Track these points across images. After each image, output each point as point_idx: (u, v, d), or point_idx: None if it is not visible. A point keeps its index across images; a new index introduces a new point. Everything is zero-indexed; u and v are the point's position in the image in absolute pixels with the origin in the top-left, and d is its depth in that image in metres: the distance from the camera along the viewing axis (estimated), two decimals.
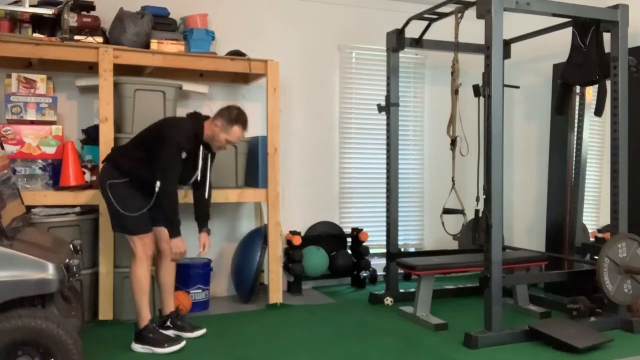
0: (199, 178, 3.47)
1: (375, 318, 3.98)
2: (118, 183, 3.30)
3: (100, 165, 3.57)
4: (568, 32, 4.06)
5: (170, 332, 3.46)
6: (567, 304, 3.89)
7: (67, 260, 2.59)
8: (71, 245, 3.02)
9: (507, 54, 4.66)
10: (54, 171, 3.81)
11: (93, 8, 4.01)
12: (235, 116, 3.38)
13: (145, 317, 3.32)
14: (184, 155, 3.28)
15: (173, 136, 3.24)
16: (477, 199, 3.86)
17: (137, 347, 3.28)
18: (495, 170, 3.43)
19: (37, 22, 3.88)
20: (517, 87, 4.86)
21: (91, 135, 4.08)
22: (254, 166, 4.33)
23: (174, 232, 3.25)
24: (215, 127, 3.37)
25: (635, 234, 3.70)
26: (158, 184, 3.20)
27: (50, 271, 2.46)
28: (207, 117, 3.46)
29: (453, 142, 4.18)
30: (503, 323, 3.45)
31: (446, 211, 4.28)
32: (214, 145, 3.44)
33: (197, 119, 3.44)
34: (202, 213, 3.56)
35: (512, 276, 4.15)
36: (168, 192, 3.23)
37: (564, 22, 4.12)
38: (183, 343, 3.28)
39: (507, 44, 4.64)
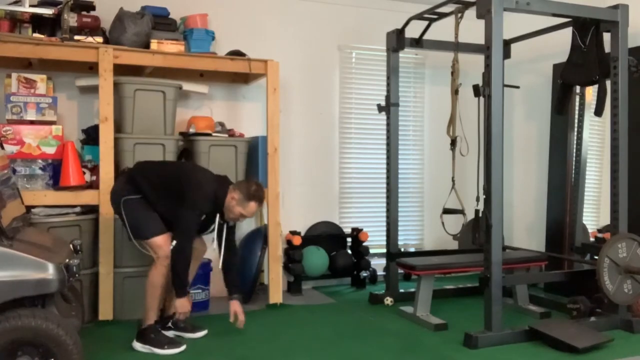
0: (215, 245, 3.48)
1: (375, 318, 3.98)
2: (132, 199, 3.33)
3: (114, 180, 3.58)
4: (568, 32, 4.06)
5: (171, 333, 3.47)
6: (567, 304, 3.90)
7: (67, 260, 2.59)
8: (71, 245, 3.02)
9: (507, 54, 4.66)
10: (54, 171, 3.80)
11: (93, 8, 4.01)
12: (253, 192, 3.35)
13: (151, 317, 3.34)
14: (203, 217, 3.34)
15: (196, 202, 3.27)
16: (477, 199, 3.86)
17: (138, 346, 3.29)
18: (495, 170, 3.43)
19: (37, 22, 3.88)
20: (517, 87, 4.86)
21: (91, 135, 4.08)
22: (254, 166, 4.33)
23: (181, 293, 3.27)
24: (232, 200, 3.34)
25: (635, 234, 3.70)
26: (174, 242, 3.23)
27: (50, 271, 2.46)
28: (231, 183, 3.46)
29: (453, 142, 4.18)
30: (503, 323, 3.45)
31: (446, 211, 4.28)
32: (227, 215, 3.40)
33: (223, 185, 3.40)
34: (227, 279, 3.53)
35: (512, 276, 4.15)
36: (183, 251, 3.24)
37: (564, 22, 4.12)
38: (183, 347, 3.28)
39: (507, 44, 4.64)
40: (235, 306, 3.46)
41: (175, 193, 3.30)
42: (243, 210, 3.35)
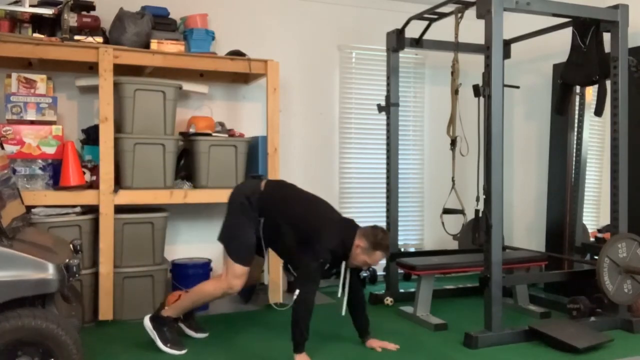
0: (339, 290, 3.31)
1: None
2: (250, 214, 3.27)
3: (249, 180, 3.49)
4: (568, 32, 4.06)
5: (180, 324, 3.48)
6: (567, 304, 3.90)
7: (67, 260, 2.59)
8: (71, 245, 3.02)
9: (507, 54, 4.66)
10: (54, 171, 3.80)
11: (93, 8, 4.01)
12: (379, 240, 3.21)
13: (176, 313, 3.36)
14: (327, 266, 3.18)
15: (322, 251, 3.11)
16: (477, 199, 3.86)
17: (147, 324, 3.29)
18: (495, 170, 3.43)
19: (37, 22, 3.88)
20: (517, 87, 4.86)
21: (91, 135, 4.08)
22: (254, 166, 4.33)
23: (300, 348, 3.07)
24: (357, 248, 3.20)
25: (635, 234, 3.70)
26: (297, 292, 3.06)
27: (50, 271, 2.46)
28: (357, 227, 3.31)
29: (453, 142, 4.18)
30: (503, 323, 3.45)
31: (446, 211, 4.28)
32: (351, 261, 3.26)
33: (350, 231, 3.25)
34: (357, 322, 3.43)
35: (512, 276, 4.15)
36: (306, 303, 3.06)
37: (564, 22, 4.12)
38: (183, 351, 3.25)
39: (507, 44, 4.64)
40: (375, 342, 3.36)
41: (301, 233, 3.19)
42: (368, 259, 3.21)
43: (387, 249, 3.27)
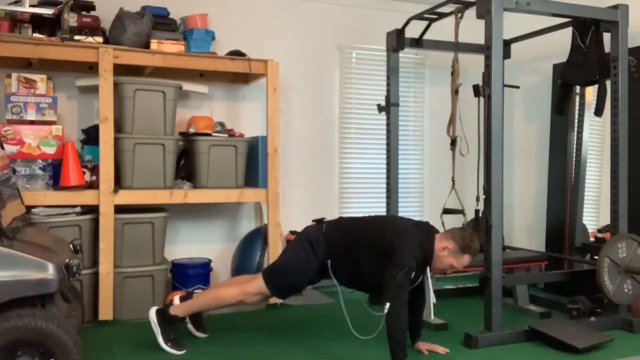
0: (428, 296, 3.22)
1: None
2: (312, 259, 3.18)
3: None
4: (568, 32, 4.06)
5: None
6: (567, 304, 3.90)
7: (67, 260, 2.59)
8: (71, 245, 3.02)
9: (507, 54, 4.66)
10: (54, 171, 3.80)
11: (93, 8, 4.01)
12: (469, 243, 3.09)
13: (186, 313, 3.33)
14: (412, 275, 3.01)
15: (405, 259, 2.98)
16: (477, 199, 3.86)
17: (152, 317, 3.25)
18: (495, 170, 3.43)
19: (37, 22, 3.88)
20: (517, 87, 4.86)
21: (91, 135, 4.08)
22: (254, 166, 4.33)
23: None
24: (444, 250, 3.09)
25: (635, 234, 3.70)
26: (387, 305, 2.91)
27: (50, 271, 2.46)
28: (436, 231, 3.19)
29: (453, 142, 4.18)
30: (503, 323, 3.45)
31: (446, 211, 4.28)
32: (434, 265, 3.14)
33: (428, 234, 3.14)
34: (413, 328, 3.26)
35: (512, 276, 4.15)
36: (398, 315, 2.92)
37: (564, 22, 4.12)
38: (182, 352, 3.23)
39: (507, 44, 4.64)
40: (423, 345, 3.27)
41: (379, 254, 3.08)
42: (455, 262, 3.10)
43: (476, 252, 3.14)
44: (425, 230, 3.18)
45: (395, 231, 3.15)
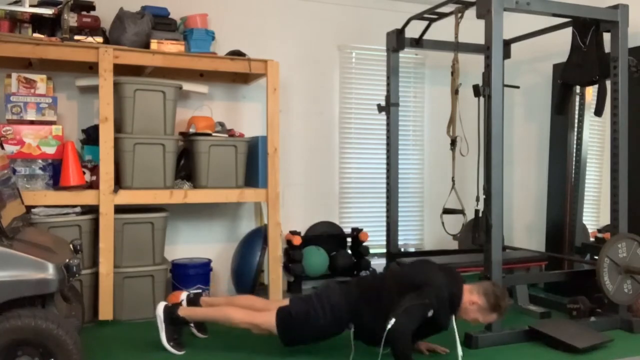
0: (457, 350, 3.06)
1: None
2: (333, 324, 3.06)
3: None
4: (568, 32, 4.06)
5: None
6: (567, 304, 3.90)
7: (67, 260, 2.59)
8: (71, 245, 3.02)
9: (507, 54, 4.66)
10: (54, 171, 3.80)
11: (93, 8, 4.01)
12: (499, 302, 3.02)
13: (193, 318, 3.31)
14: (430, 313, 2.90)
15: (429, 293, 2.90)
16: (477, 199, 3.86)
17: (160, 312, 3.22)
18: (495, 170, 3.43)
19: (37, 22, 3.88)
20: (517, 87, 4.86)
21: (91, 135, 4.08)
22: (254, 166, 4.33)
23: None
24: (472, 304, 3.03)
25: (635, 234, 3.70)
26: (392, 321, 2.81)
27: (50, 271, 2.46)
28: (463, 280, 3.12)
29: (453, 142, 4.18)
30: (503, 323, 3.45)
31: (446, 211, 4.28)
32: (459, 314, 3.08)
33: (456, 282, 3.06)
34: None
35: (512, 276, 4.15)
36: (401, 336, 2.83)
37: (564, 22, 4.12)
38: (181, 353, 3.23)
39: (507, 44, 4.64)
40: (423, 345, 3.23)
41: (401, 294, 2.97)
42: (481, 318, 3.05)
43: (505, 312, 3.08)
44: (454, 278, 3.10)
45: (421, 272, 3.08)
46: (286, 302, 3.22)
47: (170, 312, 3.25)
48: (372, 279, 3.22)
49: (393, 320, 2.83)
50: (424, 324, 2.94)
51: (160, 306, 3.25)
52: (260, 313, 3.21)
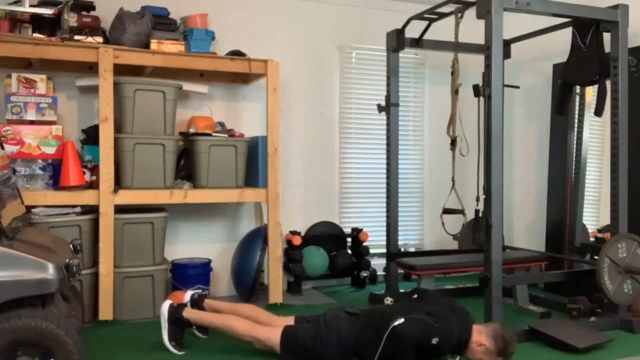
0: None
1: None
2: (338, 350, 2.98)
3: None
4: (568, 32, 4.06)
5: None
6: (567, 304, 3.90)
7: (67, 260, 2.59)
8: (71, 245, 3.02)
9: (507, 54, 4.66)
10: (54, 171, 3.80)
11: (93, 8, 4.01)
12: (507, 347, 2.94)
13: (200, 322, 3.30)
14: (434, 340, 2.83)
15: (442, 324, 2.87)
16: (477, 199, 3.86)
17: (164, 311, 3.21)
18: (495, 170, 3.43)
19: (37, 22, 3.88)
20: (517, 87, 4.86)
21: (91, 135, 4.08)
22: (254, 166, 4.33)
23: None
24: (479, 346, 2.96)
25: (635, 234, 3.70)
26: (401, 320, 2.81)
27: (50, 271, 2.46)
28: (470, 319, 3.07)
29: (453, 142, 4.18)
30: (503, 323, 3.45)
31: (446, 211, 4.28)
32: (465, 352, 3.02)
33: (466, 321, 3.02)
34: None
35: (512, 276, 4.15)
36: (405, 338, 2.80)
37: (564, 22, 4.12)
38: (181, 353, 3.23)
39: (507, 44, 4.64)
40: None
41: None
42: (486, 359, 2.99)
43: (511, 357, 3.00)
44: (465, 318, 3.06)
45: (434, 314, 2.97)
46: (291, 320, 3.18)
47: (175, 313, 3.25)
48: (382, 313, 3.08)
49: (402, 320, 2.81)
50: (423, 352, 2.86)
51: (166, 305, 3.25)
52: (265, 328, 3.17)
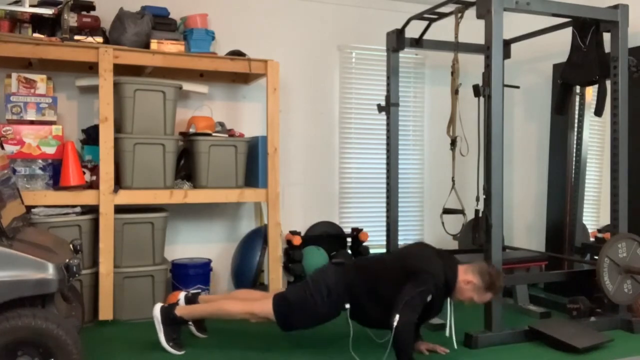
0: (447, 329, 3.22)
1: None
2: (329, 305, 3.09)
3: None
4: (568, 32, 4.06)
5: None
6: (567, 304, 3.90)
7: (67, 260, 2.59)
8: (71, 245, 3.02)
9: (507, 54, 4.66)
10: (54, 171, 3.80)
11: (93, 8, 4.01)
12: (494, 281, 3.06)
13: (191, 317, 3.31)
14: (429, 298, 2.97)
15: (426, 279, 2.96)
16: (477, 199, 3.86)
17: (157, 313, 3.22)
18: (495, 170, 3.43)
19: (37, 22, 3.88)
20: (517, 87, 4.86)
21: (91, 135, 4.08)
22: (254, 166, 4.33)
23: None
24: (467, 284, 3.06)
25: (635, 234, 3.70)
26: (397, 317, 2.86)
27: (50, 271, 2.46)
28: (458, 262, 3.17)
29: (453, 142, 4.18)
30: (503, 323, 3.45)
31: (446, 211, 4.28)
32: (454, 295, 3.14)
33: (451, 264, 3.11)
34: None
35: (512, 276, 4.15)
36: (407, 330, 2.89)
37: (564, 22, 4.12)
38: (181, 353, 3.23)
39: (507, 44, 4.64)
40: (424, 345, 3.27)
41: (401, 278, 3.02)
42: (477, 297, 3.09)
43: (499, 291, 3.14)
44: (449, 260, 3.15)
45: (417, 256, 3.14)
46: (282, 289, 3.26)
47: (168, 313, 3.25)
48: (370, 260, 3.23)
49: (397, 317, 2.86)
50: (422, 312, 2.99)
51: (157, 307, 3.26)
52: (258, 301, 3.24)
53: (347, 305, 3.12)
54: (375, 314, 3.10)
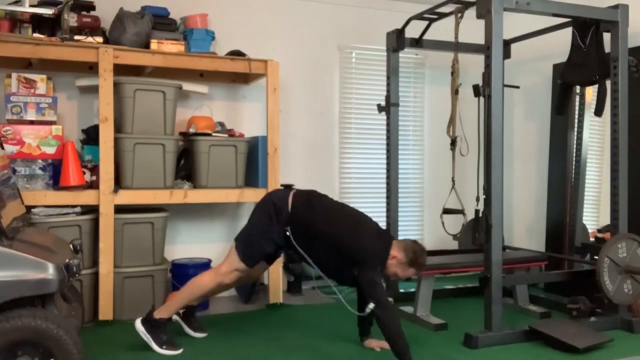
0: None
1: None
2: (275, 225, 3.21)
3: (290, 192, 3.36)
4: (568, 32, 4.07)
5: (176, 317, 3.47)
6: (567, 304, 3.90)
7: (67, 260, 2.59)
8: (71, 245, 3.02)
9: (507, 54, 4.65)
10: (54, 171, 3.81)
11: (93, 8, 4.01)
12: (417, 257, 3.15)
13: (170, 313, 3.33)
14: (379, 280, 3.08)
15: (375, 259, 3.10)
16: (477, 199, 3.86)
17: (139, 327, 3.26)
18: (495, 170, 3.43)
19: (37, 22, 3.88)
20: (517, 87, 4.86)
21: (91, 135, 4.08)
22: (254, 166, 4.33)
23: (409, 357, 2.97)
24: (392, 259, 3.14)
25: (635, 234, 3.70)
26: (372, 305, 3.00)
27: (50, 271, 2.46)
28: (392, 238, 3.31)
29: (453, 142, 4.18)
30: (503, 323, 3.45)
31: (446, 211, 4.28)
32: (384, 270, 3.20)
33: (387, 240, 3.22)
34: (364, 325, 3.39)
35: (512, 276, 4.15)
36: (391, 312, 3.04)
37: (564, 22, 4.12)
38: (179, 351, 3.24)
39: (507, 44, 4.64)
40: (374, 342, 3.33)
41: (340, 251, 3.13)
42: (400, 272, 3.17)
43: (422, 267, 3.22)
44: (384, 237, 3.26)
45: (359, 235, 3.18)
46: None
47: (148, 321, 3.28)
48: (309, 217, 3.22)
49: (373, 305, 3.00)
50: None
51: (137, 322, 3.28)
52: (222, 263, 3.35)
53: (288, 228, 3.19)
54: (313, 255, 3.20)
